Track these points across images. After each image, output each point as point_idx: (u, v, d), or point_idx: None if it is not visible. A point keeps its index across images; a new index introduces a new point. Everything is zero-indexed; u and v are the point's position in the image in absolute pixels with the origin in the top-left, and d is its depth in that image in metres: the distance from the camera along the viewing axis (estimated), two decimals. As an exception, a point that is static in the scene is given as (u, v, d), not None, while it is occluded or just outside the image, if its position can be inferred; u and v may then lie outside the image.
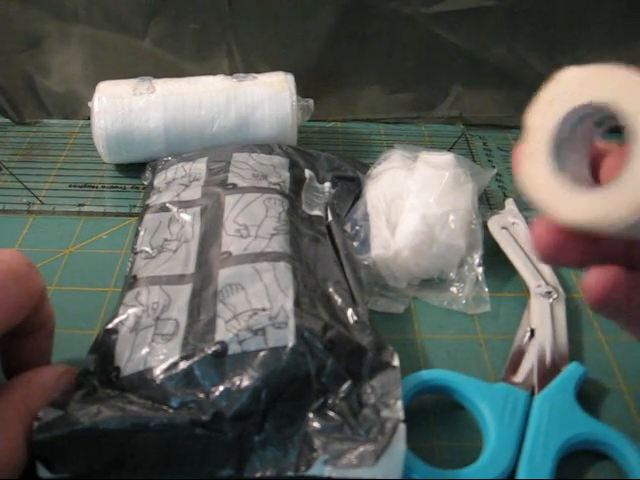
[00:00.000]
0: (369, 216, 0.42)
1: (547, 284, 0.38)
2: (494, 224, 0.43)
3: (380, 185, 0.43)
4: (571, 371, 0.33)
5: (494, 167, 0.50)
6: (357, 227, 0.41)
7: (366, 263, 0.39)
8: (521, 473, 0.29)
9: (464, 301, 0.39)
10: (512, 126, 0.55)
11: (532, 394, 0.32)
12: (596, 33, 0.53)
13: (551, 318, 0.36)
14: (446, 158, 0.43)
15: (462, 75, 0.56)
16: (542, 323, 0.36)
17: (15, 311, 0.27)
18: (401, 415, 0.28)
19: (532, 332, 0.35)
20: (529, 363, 0.34)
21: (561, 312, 0.37)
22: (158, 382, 0.29)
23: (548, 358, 0.34)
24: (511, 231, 0.42)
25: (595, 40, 0.53)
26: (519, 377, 0.33)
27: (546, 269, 0.39)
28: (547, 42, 0.53)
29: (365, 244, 0.40)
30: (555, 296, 0.38)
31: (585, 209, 0.21)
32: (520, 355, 0.34)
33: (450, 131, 0.56)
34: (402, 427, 0.27)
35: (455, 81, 0.56)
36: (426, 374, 0.33)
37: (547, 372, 0.33)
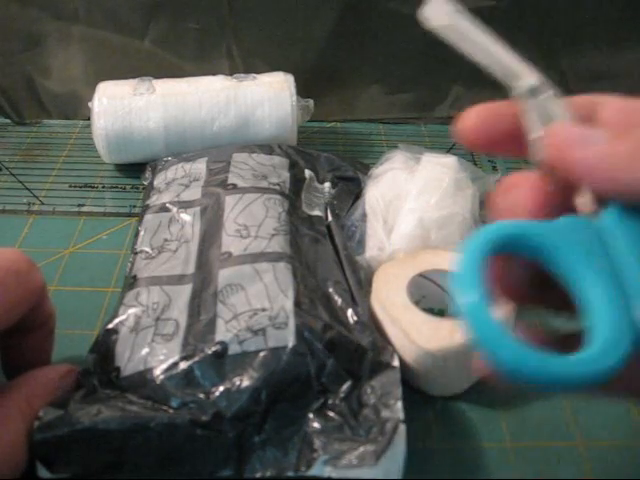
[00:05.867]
0: (366, 217, 0.41)
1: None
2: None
3: (380, 186, 0.43)
4: None
5: (497, 170, 0.50)
6: (353, 228, 0.41)
7: (361, 264, 0.39)
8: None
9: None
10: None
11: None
12: (596, 33, 0.53)
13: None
14: (449, 161, 0.43)
15: (462, 75, 0.56)
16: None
17: (15, 308, 0.27)
18: (401, 415, 0.28)
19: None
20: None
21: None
22: (158, 382, 0.29)
23: None
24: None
25: (595, 40, 0.53)
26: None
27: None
28: (547, 42, 0.53)
29: (360, 245, 0.40)
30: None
31: None
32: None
33: (450, 131, 0.56)
34: (402, 427, 0.27)
35: (455, 81, 0.56)
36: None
37: None
